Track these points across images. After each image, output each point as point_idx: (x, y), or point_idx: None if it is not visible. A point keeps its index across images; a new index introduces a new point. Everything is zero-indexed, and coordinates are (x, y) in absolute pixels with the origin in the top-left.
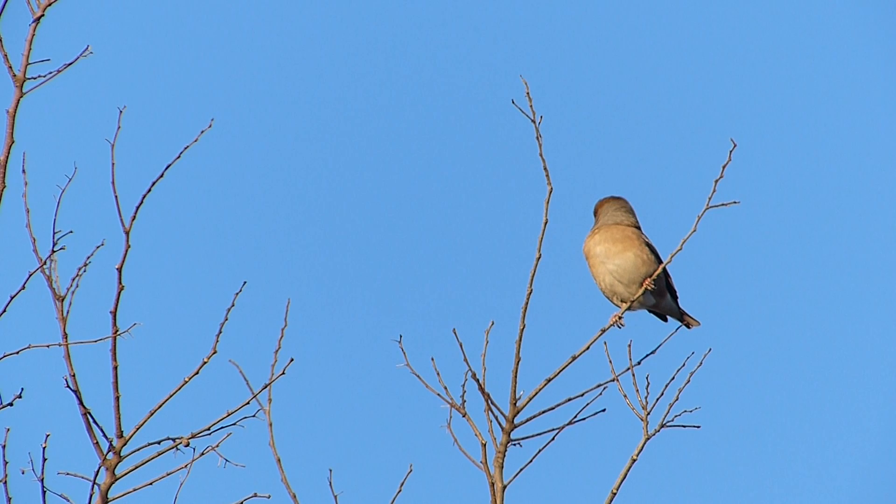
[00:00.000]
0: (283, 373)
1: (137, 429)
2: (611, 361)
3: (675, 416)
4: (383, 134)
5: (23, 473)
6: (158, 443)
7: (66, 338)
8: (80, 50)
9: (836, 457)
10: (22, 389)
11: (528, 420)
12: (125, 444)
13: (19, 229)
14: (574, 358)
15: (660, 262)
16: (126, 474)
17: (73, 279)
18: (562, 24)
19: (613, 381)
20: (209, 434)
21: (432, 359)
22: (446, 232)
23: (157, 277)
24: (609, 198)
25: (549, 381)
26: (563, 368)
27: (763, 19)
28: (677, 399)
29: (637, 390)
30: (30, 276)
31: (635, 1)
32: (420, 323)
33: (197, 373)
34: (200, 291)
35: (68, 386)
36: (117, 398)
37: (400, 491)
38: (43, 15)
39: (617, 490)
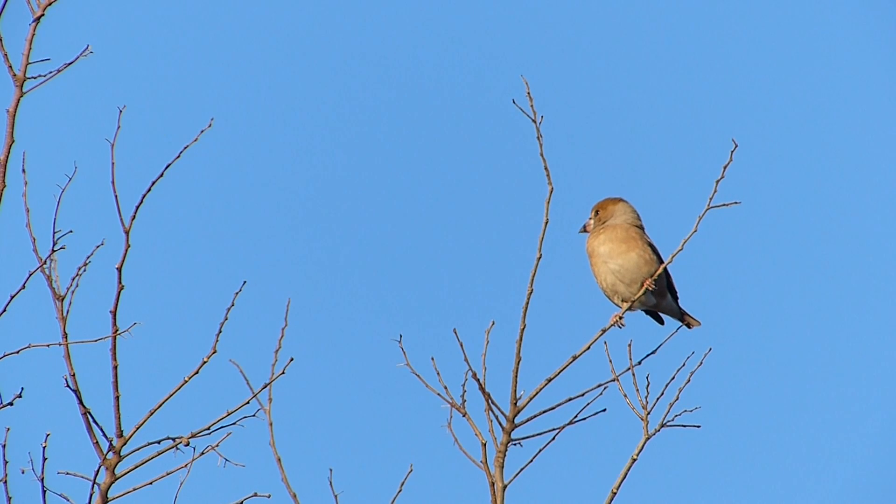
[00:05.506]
0: (283, 373)
1: (137, 428)
2: (611, 361)
3: (675, 416)
4: (384, 134)
5: (23, 473)
6: (158, 442)
7: (66, 337)
8: (80, 50)
9: (835, 456)
10: (22, 389)
11: (528, 420)
12: (125, 444)
13: (19, 229)
14: (574, 358)
15: (661, 262)
16: (126, 474)
17: (73, 279)
18: (562, 24)
19: (614, 381)
20: (209, 434)
21: (432, 359)
22: (446, 232)
23: (157, 277)
24: (615, 199)
25: (550, 380)
26: (564, 368)
27: (764, 19)
28: (677, 399)
29: (637, 390)
30: (30, 275)
31: (635, 1)
32: (420, 323)
33: (197, 373)
34: (200, 291)
35: (68, 386)
36: (117, 398)
37: (400, 491)
38: (43, 15)
39: (617, 490)
